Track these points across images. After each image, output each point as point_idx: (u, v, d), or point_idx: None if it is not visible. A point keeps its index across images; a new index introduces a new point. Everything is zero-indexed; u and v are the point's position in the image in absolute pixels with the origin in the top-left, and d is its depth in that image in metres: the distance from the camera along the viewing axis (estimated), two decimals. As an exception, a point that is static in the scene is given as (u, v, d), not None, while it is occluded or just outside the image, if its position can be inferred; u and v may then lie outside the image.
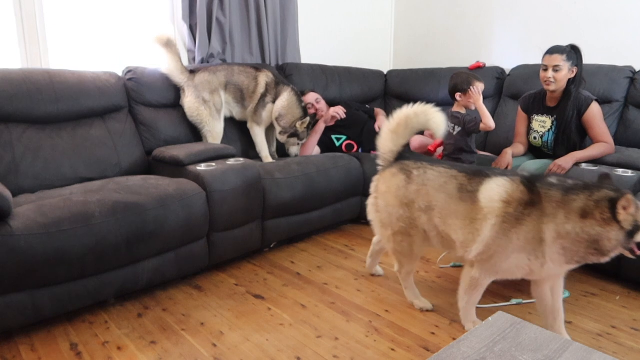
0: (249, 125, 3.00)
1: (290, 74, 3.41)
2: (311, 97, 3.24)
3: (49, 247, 1.73)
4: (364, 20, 4.17)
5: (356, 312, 2.04)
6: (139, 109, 2.73)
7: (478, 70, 3.51)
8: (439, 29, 4.04)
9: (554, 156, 2.59)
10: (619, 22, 3.05)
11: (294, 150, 3.03)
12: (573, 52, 2.46)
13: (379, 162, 2.05)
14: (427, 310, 2.04)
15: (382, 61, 4.36)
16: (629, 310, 2.05)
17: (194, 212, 2.16)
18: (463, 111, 2.64)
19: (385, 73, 4.00)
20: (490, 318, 1.04)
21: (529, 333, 0.98)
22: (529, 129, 2.73)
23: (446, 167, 1.85)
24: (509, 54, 3.61)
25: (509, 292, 2.20)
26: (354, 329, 1.90)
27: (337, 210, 2.92)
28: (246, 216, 2.42)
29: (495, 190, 1.67)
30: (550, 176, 1.67)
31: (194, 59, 3.17)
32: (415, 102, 3.76)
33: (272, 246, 2.75)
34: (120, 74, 2.75)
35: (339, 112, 3.16)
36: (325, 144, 3.23)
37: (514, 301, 2.10)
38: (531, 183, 1.64)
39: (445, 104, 3.59)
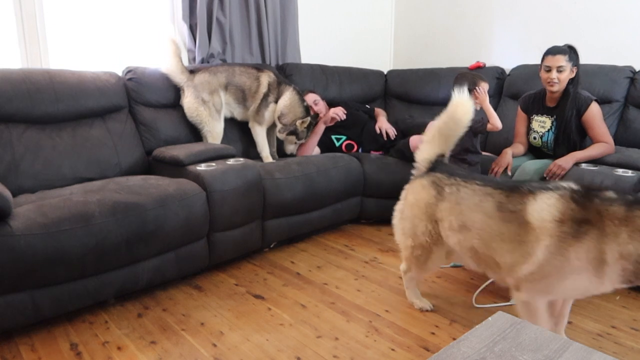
0: (251, 124, 3.00)
1: (290, 74, 3.41)
2: (309, 99, 3.23)
3: (49, 247, 1.73)
4: (364, 20, 4.17)
5: (356, 312, 2.04)
6: (139, 109, 2.73)
7: (478, 70, 3.51)
8: (439, 29, 4.04)
9: (554, 156, 2.59)
10: (619, 22, 3.05)
11: (290, 148, 3.07)
12: (573, 52, 2.46)
13: (413, 170, 2.00)
14: (427, 311, 2.04)
15: (382, 61, 4.36)
16: (629, 310, 2.05)
17: (194, 212, 2.16)
18: None
19: (385, 73, 4.00)
20: (490, 318, 1.04)
21: (529, 333, 0.98)
22: (529, 129, 2.73)
23: (480, 184, 1.73)
24: (509, 54, 3.62)
25: (509, 292, 2.19)
26: (354, 329, 1.90)
27: (337, 210, 2.92)
28: (246, 216, 2.42)
29: (546, 210, 1.52)
30: (608, 189, 1.51)
31: (194, 59, 3.17)
32: (415, 102, 3.81)
33: (272, 246, 2.75)
34: (120, 74, 2.75)
35: (339, 113, 3.15)
36: (325, 144, 3.23)
37: (514, 301, 2.09)
38: (586, 197, 1.48)
39: (445, 104, 3.60)
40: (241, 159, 2.50)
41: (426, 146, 1.97)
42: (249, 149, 3.07)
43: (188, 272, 2.27)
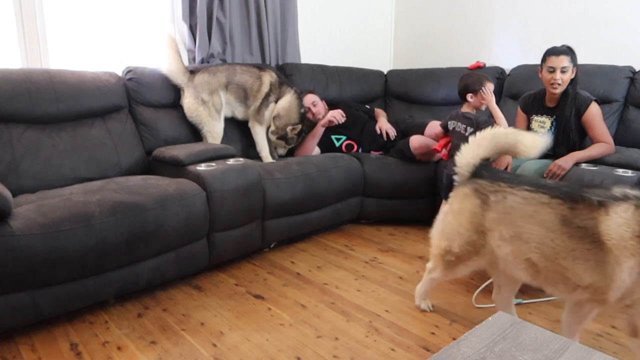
0: (251, 124, 3.00)
1: (290, 74, 3.41)
2: (308, 100, 3.23)
3: (49, 247, 1.73)
4: (364, 20, 4.17)
5: (356, 312, 2.04)
6: (139, 109, 2.73)
7: (478, 70, 3.51)
8: (439, 29, 4.04)
9: (554, 156, 2.59)
10: (619, 22, 3.05)
11: (280, 150, 3.10)
12: (572, 53, 2.47)
13: (456, 177, 1.85)
14: (428, 311, 2.04)
15: (382, 61, 4.36)
16: (629, 310, 2.04)
17: (194, 212, 2.16)
18: (473, 112, 2.66)
19: (385, 73, 4.00)
20: (490, 318, 1.04)
21: (529, 333, 0.98)
22: (529, 129, 2.72)
23: (530, 190, 1.57)
24: (509, 54, 3.62)
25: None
26: (354, 329, 1.90)
27: (337, 210, 2.92)
28: (246, 216, 2.42)
29: (624, 226, 1.36)
30: None
31: (194, 59, 3.17)
32: (415, 102, 3.81)
33: (272, 246, 2.75)
34: (120, 74, 2.75)
35: (337, 116, 3.11)
36: (325, 144, 3.22)
37: (514, 301, 2.09)
38: None
39: (445, 104, 3.63)
40: (241, 159, 2.50)
41: (471, 149, 1.80)
42: (249, 149, 3.07)
43: (188, 272, 2.27)
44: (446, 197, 2.81)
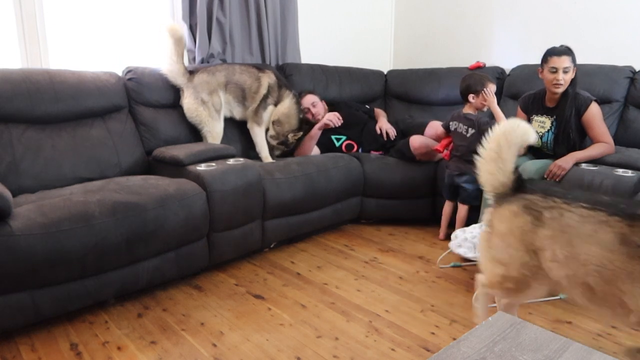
0: (249, 125, 3.00)
1: (290, 74, 3.41)
2: (308, 101, 3.23)
3: (49, 247, 1.73)
4: (364, 20, 4.17)
5: (356, 312, 2.04)
6: (139, 109, 2.73)
7: (478, 70, 3.51)
8: (439, 29, 4.04)
9: (554, 156, 2.59)
10: (619, 22, 3.05)
11: (276, 153, 3.12)
12: (572, 53, 2.47)
13: (489, 197, 1.70)
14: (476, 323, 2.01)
15: (382, 61, 4.36)
16: (629, 310, 2.04)
17: (194, 212, 2.16)
18: (474, 113, 2.66)
19: (385, 73, 4.00)
20: (490, 318, 1.04)
21: (529, 333, 0.98)
22: (529, 129, 2.72)
23: (587, 207, 1.45)
24: (509, 54, 3.62)
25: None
26: (354, 329, 1.90)
27: (337, 210, 2.92)
28: (246, 216, 2.42)
29: None
30: None
31: (194, 59, 3.17)
32: (415, 102, 3.81)
33: (272, 246, 2.75)
34: (120, 74, 2.75)
35: (333, 119, 3.11)
36: (325, 145, 3.22)
37: (514, 301, 2.09)
38: None
39: (445, 104, 3.64)
40: (241, 159, 2.50)
41: (495, 167, 1.66)
42: (249, 149, 3.07)
43: (188, 272, 2.27)
44: (448, 197, 2.83)
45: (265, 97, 2.96)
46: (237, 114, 2.99)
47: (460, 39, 3.89)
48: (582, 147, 2.54)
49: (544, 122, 2.63)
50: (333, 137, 3.26)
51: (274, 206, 2.55)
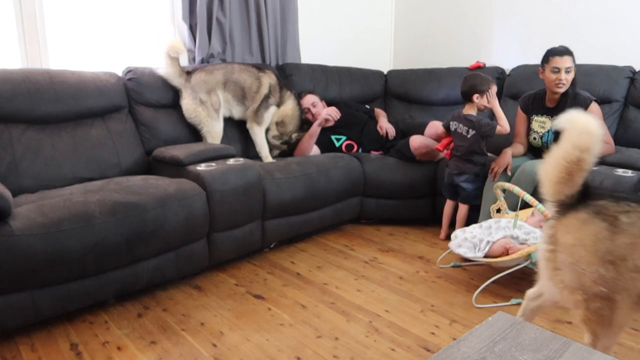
0: (249, 125, 3.00)
1: (290, 74, 3.41)
2: (308, 101, 3.23)
3: (49, 247, 1.73)
4: (364, 20, 4.17)
5: (356, 312, 2.04)
6: (139, 109, 2.73)
7: (478, 71, 3.51)
8: (439, 29, 4.04)
9: (554, 156, 2.59)
10: (619, 22, 3.05)
11: (275, 152, 3.14)
12: (572, 53, 2.48)
13: (551, 206, 1.51)
14: None
15: (382, 61, 4.36)
16: (629, 310, 2.04)
17: (194, 212, 2.16)
18: (475, 113, 2.67)
19: (385, 73, 4.00)
20: (490, 318, 1.04)
21: (529, 333, 0.98)
22: (529, 129, 2.73)
23: None
24: (509, 54, 3.62)
25: (509, 292, 2.20)
26: (354, 329, 1.90)
27: (337, 210, 2.92)
28: (246, 216, 2.42)
29: None
30: None
31: (194, 59, 3.17)
32: (415, 102, 3.81)
33: (272, 246, 2.75)
34: (120, 74, 2.75)
35: (331, 113, 3.11)
36: (325, 145, 3.22)
37: (514, 301, 2.10)
38: None
39: (445, 104, 3.64)
40: (241, 159, 2.50)
41: (556, 186, 1.48)
42: (249, 149, 3.07)
43: (188, 272, 2.27)
44: (448, 196, 2.83)
45: (267, 97, 2.96)
46: (237, 113, 2.99)
47: (460, 39, 3.89)
48: (582, 147, 2.54)
49: (544, 122, 2.63)
50: (333, 137, 3.26)
51: (274, 206, 2.55)
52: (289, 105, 3.04)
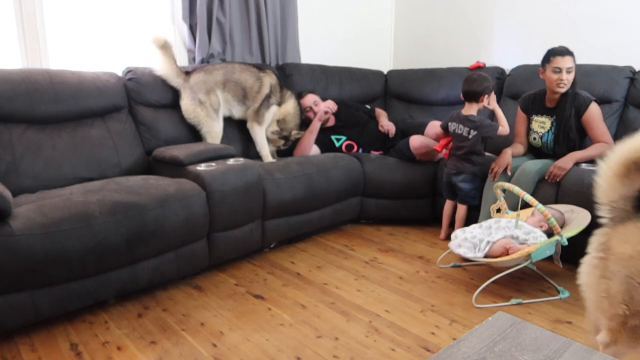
0: (249, 124, 3.00)
1: (290, 74, 3.41)
2: (309, 100, 3.23)
3: (49, 247, 1.73)
4: (364, 20, 4.17)
5: (356, 312, 2.04)
6: (139, 109, 2.73)
7: (478, 71, 3.51)
8: (439, 29, 4.04)
9: (554, 156, 2.59)
10: (619, 22, 3.05)
11: (272, 149, 3.14)
12: (573, 53, 2.48)
13: (604, 213, 1.43)
14: None
15: (382, 61, 4.35)
16: (629, 310, 2.04)
17: (194, 212, 2.16)
18: (476, 114, 2.68)
19: (385, 73, 4.00)
20: (490, 318, 1.04)
21: (529, 333, 0.98)
22: (529, 129, 2.73)
23: None
24: (509, 54, 3.61)
25: (509, 292, 2.20)
26: (354, 329, 1.90)
27: (337, 210, 2.92)
28: (246, 216, 2.42)
29: None
30: None
31: (193, 59, 3.17)
32: (415, 102, 3.82)
33: (272, 246, 2.75)
34: (120, 74, 2.75)
35: (330, 105, 3.18)
36: (325, 145, 3.23)
37: (514, 301, 2.10)
38: None
39: (445, 104, 3.63)
40: (241, 159, 2.50)
41: (621, 179, 1.40)
42: (249, 149, 3.07)
43: (188, 272, 2.27)
44: (447, 196, 2.83)
45: (268, 97, 2.96)
46: (237, 113, 2.99)
47: (460, 39, 3.89)
48: (582, 147, 2.54)
49: (543, 122, 2.63)
50: (333, 137, 3.26)
51: (274, 206, 2.55)
52: (290, 104, 3.06)
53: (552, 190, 2.43)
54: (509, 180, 2.54)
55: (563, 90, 2.48)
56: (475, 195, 2.70)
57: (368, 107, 3.54)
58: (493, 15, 3.67)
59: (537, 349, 0.93)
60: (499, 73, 3.49)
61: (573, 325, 1.92)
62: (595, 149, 2.46)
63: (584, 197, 2.24)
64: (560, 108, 2.54)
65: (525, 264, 2.08)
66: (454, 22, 3.92)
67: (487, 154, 2.90)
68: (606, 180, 1.41)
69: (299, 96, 3.23)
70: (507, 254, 2.07)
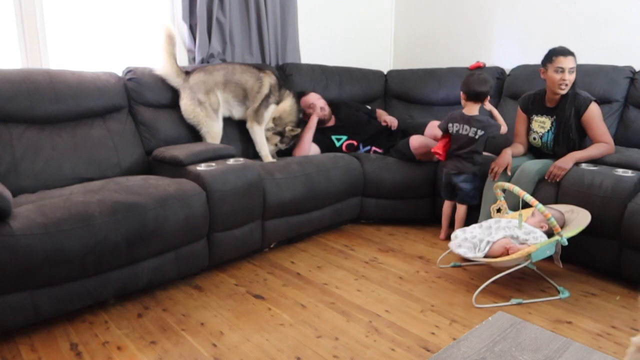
0: (249, 124, 3.00)
1: (290, 74, 3.41)
2: (312, 98, 3.24)
3: (49, 247, 1.73)
4: (364, 20, 4.17)
5: (356, 312, 2.04)
6: (139, 109, 2.73)
7: (477, 70, 3.51)
8: (439, 29, 4.04)
9: (554, 156, 2.59)
10: (619, 22, 3.05)
11: (270, 147, 3.12)
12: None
13: None
14: None
15: (382, 61, 4.36)
16: (629, 310, 2.05)
17: (194, 212, 2.16)
18: (478, 114, 2.69)
19: (385, 73, 4.00)
20: (490, 318, 1.04)
21: (529, 333, 0.99)
22: (529, 129, 2.73)
23: None
24: (509, 54, 3.62)
25: (509, 292, 2.20)
26: (354, 329, 1.90)
27: (337, 210, 2.92)
28: (246, 216, 2.42)
29: None
30: None
31: (193, 59, 3.17)
32: (415, 102, 3.82)
33: (272, 246, 2.75)
34: (120, 74, 2.75)
35: (324, 107, 3.25)
36: (325, 144, 3.23)
37: (514, 301, 2.10)
38: None
39: (445, 104, 3.64)
40: (241, 159, 2.50)
41: None
42: (249, 149, 3.07)
43: (188, 272, 2.27)
44: (446, 197, 2.83)
45: (267, 96, 2.96)
46: (237, 113, 2.99)
47: (460, 39, 3.89)
48: (582, 147, 2.54)
49: (543, 122, 2.63)
50: (333, 137, 3.26)
51: (274, 206, 2.55)
52: (288, 102, 3.06)
53: (552, 190, 2.43)
54: (509, 180, 2.54)
55: (564, 91, 2.48)
56: (475, 195, 2.70)
57: (369, 107, 3.54)
58: (493, 15, 3.67)
59: (537, 349, 0.93)
60: (499, 73, 3.49)
61: (573, 325, 1.92)
62: (595, 149, 2.46)
63: (584, 197, 2.25)
64: (560, 108, 2.54)
65: (525, 264, 2.09)
66: (454, 22, 3.92)
67: (487, 154, 2.90)
68: None
69: (302, 95, 3.24)
70: (507, 254, 2.07)
